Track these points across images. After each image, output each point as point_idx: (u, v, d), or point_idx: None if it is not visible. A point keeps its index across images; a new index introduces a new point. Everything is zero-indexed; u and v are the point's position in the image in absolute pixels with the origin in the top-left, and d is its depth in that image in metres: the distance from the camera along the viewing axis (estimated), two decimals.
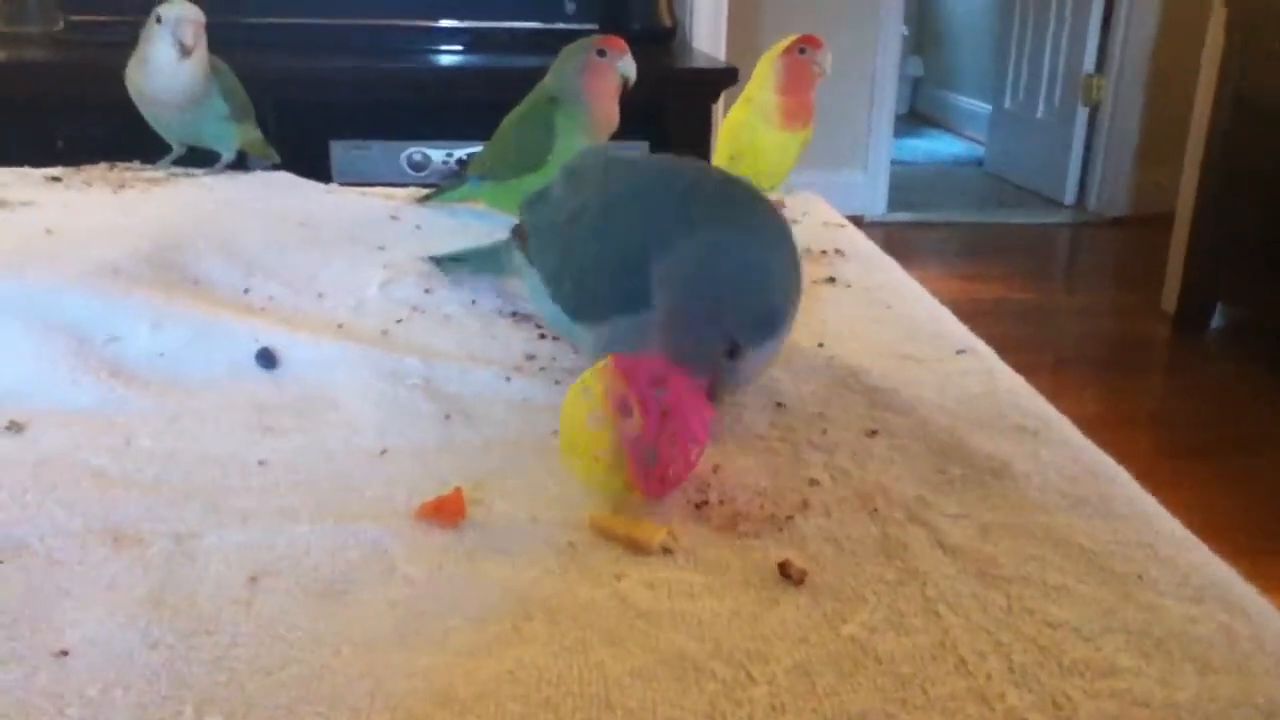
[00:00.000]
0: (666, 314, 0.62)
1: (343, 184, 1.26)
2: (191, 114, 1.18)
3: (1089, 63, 3.93)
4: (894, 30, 3.84)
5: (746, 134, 1.15)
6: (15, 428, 0.65)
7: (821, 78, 1.11)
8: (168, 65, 1.14)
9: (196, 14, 1.13)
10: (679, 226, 0.63)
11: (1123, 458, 0.65)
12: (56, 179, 1.13)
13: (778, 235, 0.65)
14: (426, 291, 0.90)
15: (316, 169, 1.33)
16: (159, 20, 1.13)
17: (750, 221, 0.65)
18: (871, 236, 1.17)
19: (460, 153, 1.90)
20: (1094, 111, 3.98)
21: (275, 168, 1.30)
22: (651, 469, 0.56)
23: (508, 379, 0.72)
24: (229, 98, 1.20)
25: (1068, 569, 0.53)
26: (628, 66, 1.05)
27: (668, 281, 0.62)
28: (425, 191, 1.20)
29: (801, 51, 1.10)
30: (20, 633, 0.46)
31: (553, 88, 1.06)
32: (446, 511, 0.56)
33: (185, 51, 1.12)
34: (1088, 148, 4.04)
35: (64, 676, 0.44)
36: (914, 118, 5.82)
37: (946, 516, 0.57)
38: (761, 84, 1.14)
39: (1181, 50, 3.69)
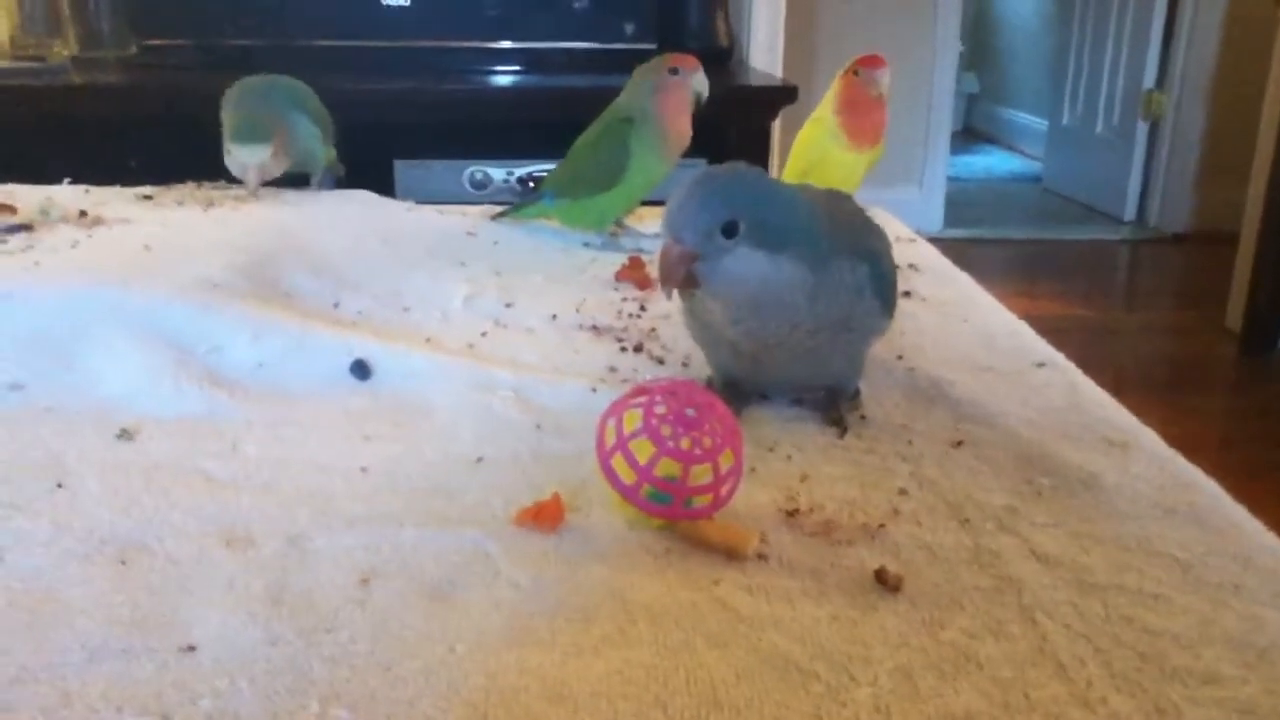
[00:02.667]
0: (672, 198, 0.63)
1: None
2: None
3: (1149, 78, 3.89)
4: (950, 47, 3.83)
5: (816, 152, 1.16)
6: (126, 435, 0.67)
7: (878, 97, 1.11)
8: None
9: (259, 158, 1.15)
10: None
11: None
12: (148, 197, 1.17)
13: (798, 191, 0.67)
14: (507, 306, 0.91)
15: (381, 188, 1.36)
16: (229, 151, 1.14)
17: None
18: None
19: (520, 171, 1.92)
20: (1154, 127, 3.94)
21: (339, 182, 1.33)
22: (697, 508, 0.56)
23: (593, 390, 0.74)
24: (318, 122, 1.24)
25: (1163, 578, 0.53)
26: (701, 83, 1.07)
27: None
28: (498, 209, 1.22)
29: (856, 73, 1.11)
30: (149, 629, 0.48)
31: (627, 108, 1.08)
32: (545, 517, 0.57)
33: (251, 190, 1.16)
34: (1148, 163, 3.99)
35: (193, 670, 0.46)
36: (969, 134, 5.79)
37: (1038, 526, 0.58)
38: (826, 104, 1.15)
39: (1245, 64, 3.64)
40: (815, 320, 0.65)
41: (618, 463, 0.56)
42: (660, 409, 0.56)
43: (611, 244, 1.12)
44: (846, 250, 0.66)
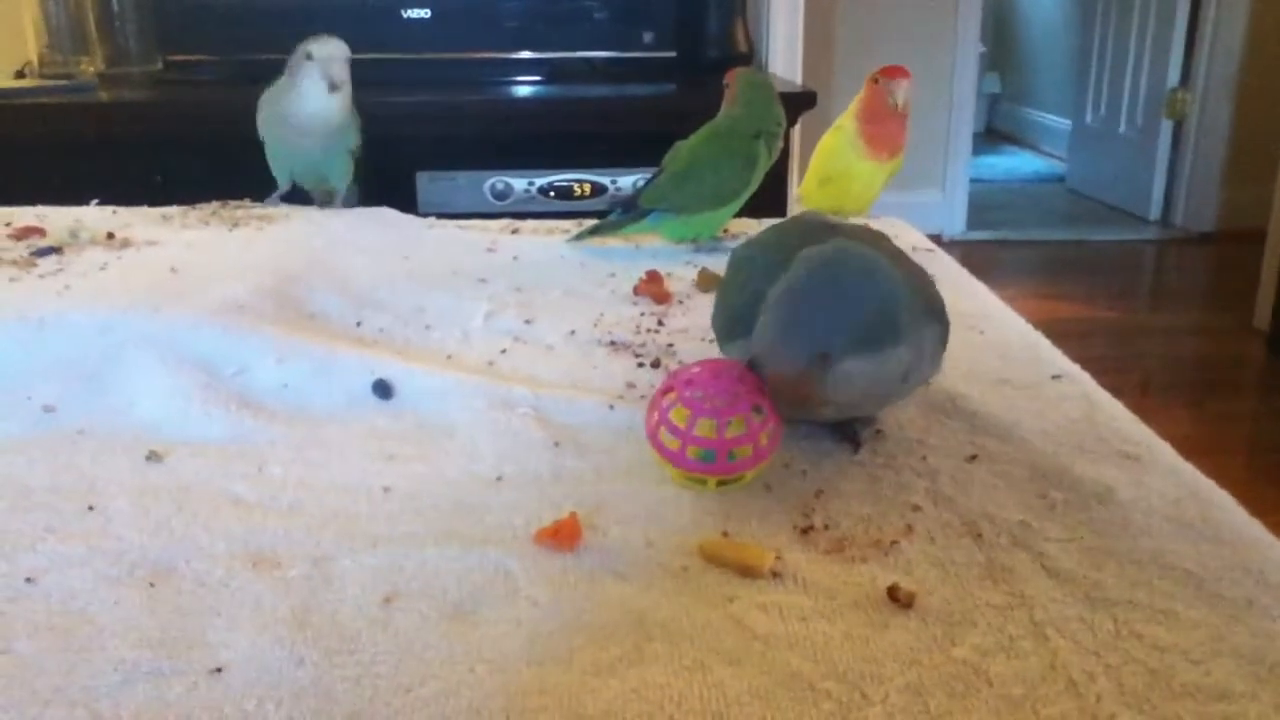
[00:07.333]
0: (760, 325, 0.63)
1: (428, 213, 1.31)
2: (325, 146, 1.25)
3: (1173, 76, 3.87)
4: (971, 48, 3.82)
5: (836, 161, 1.17)
6: (155, 457, 0.69)
7: (895, 108, 1.12)
8: (317, 98, 1.21)
9: (344, 51, 1.20)
10: (791, 263, 0.65)
11: (1217, 483, 0.66)
12: (173, 218, 1.19)
13: (886, 267, 0.65)
14: (527, 322, 0.93)
15: (403, 200, 1.37)
16: (309, 57, 1.19)
17: (858, 251, 0.66)
18: (951, 255, 1.18)
19: (541, 181, 1.93)
20: (1179, 126, 3.91)
21: (359, 197, 1.37)
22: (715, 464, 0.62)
23: (611, 407, 0.75)
24: (363, 134, 1.29)
25: (1175, 594, 0.54)
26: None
27: (769, 301, 0.63)
28: (518, 222, 1.23)
29: (876, 81, 1.11)
30: (178, 650, 0.50)
31: (755, 123, 1.10)
32: (564, 536, 0.58)
33: (334, 87, 1.19)
34: (1173, 163, 3.97)
35: (222, 692, 0.47)
36: (991, 135, 5.77)
37: (1051, 541, 0.58)
38: (849, 111, 1.16)
39: (1270, 61, 3.62)
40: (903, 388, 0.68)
41: (663, 435, 0.63)
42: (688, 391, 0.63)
43: (708, 247, 1.16)
44: (921, 312, 0.66)
